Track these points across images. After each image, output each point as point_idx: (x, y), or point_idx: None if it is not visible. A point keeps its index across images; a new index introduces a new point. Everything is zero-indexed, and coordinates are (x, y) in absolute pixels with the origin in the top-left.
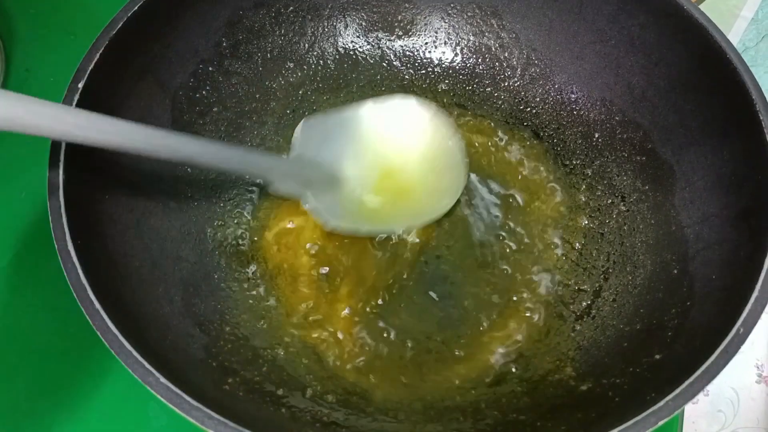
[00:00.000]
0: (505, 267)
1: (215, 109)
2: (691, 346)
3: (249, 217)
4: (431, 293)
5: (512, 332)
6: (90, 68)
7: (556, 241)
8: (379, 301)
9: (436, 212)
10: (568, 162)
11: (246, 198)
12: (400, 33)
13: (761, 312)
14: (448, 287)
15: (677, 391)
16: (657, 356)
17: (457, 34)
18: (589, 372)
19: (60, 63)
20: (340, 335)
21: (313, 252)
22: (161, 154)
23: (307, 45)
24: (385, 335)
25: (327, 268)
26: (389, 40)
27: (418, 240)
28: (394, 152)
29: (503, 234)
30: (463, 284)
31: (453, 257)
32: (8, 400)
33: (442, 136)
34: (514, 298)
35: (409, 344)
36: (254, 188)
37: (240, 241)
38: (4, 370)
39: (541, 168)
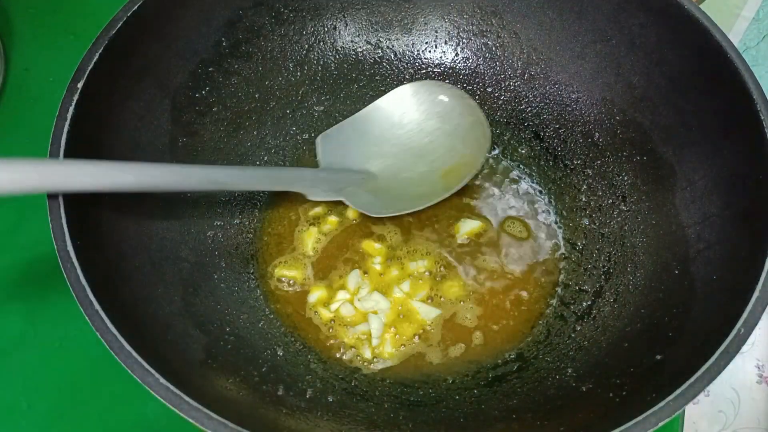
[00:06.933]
0: (506, 267)
1: (215, 109)
2: (692, 346)
3: (249, 218)
4: (430, 300)
5: (513, 332)
6: (89, 68)
7: (558, 241)
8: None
9: (464, 179)
10: (568, 162)
11: (246, 198)
12: (400, 33)
13: (762, 312)
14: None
15: (678, 391)
16: (658, 357)
17: (458, 33)
18: (590, 372)
19: (59, 63)
20: (340, 335)
21: (314, 252)
22: (193, 186)
23: (307, 45)
24: (385, 336)
25: (328, 268)
26: (389, 39)
27: (425, 262)
28: (413, 135)
29: (505, 233)
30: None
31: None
32: (7, 400)
33: (458, 113)
34: (514, 299)
35: (412, 342)
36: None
37: (240, 241)
38: (2, 371)
39: (543, 168)
